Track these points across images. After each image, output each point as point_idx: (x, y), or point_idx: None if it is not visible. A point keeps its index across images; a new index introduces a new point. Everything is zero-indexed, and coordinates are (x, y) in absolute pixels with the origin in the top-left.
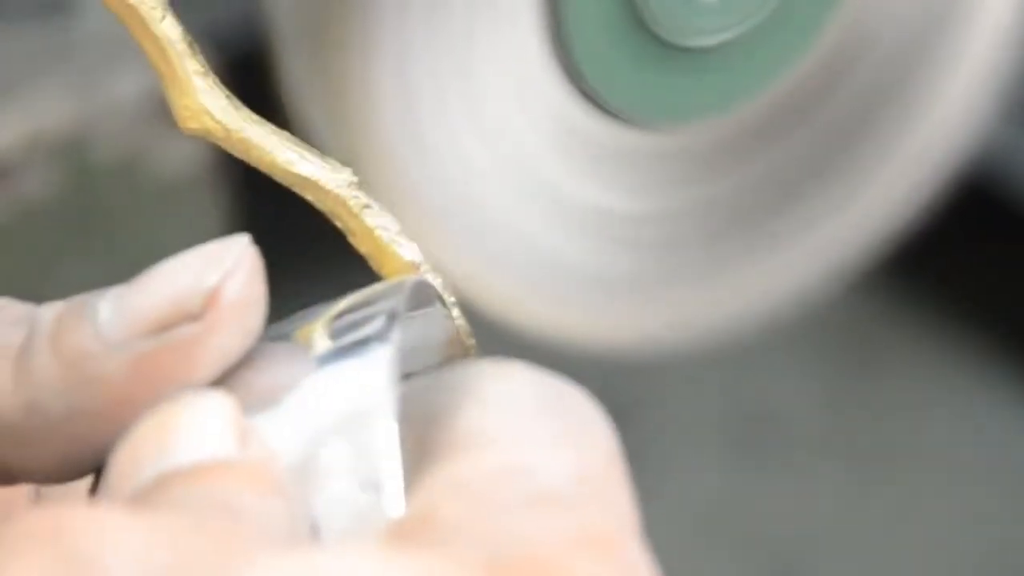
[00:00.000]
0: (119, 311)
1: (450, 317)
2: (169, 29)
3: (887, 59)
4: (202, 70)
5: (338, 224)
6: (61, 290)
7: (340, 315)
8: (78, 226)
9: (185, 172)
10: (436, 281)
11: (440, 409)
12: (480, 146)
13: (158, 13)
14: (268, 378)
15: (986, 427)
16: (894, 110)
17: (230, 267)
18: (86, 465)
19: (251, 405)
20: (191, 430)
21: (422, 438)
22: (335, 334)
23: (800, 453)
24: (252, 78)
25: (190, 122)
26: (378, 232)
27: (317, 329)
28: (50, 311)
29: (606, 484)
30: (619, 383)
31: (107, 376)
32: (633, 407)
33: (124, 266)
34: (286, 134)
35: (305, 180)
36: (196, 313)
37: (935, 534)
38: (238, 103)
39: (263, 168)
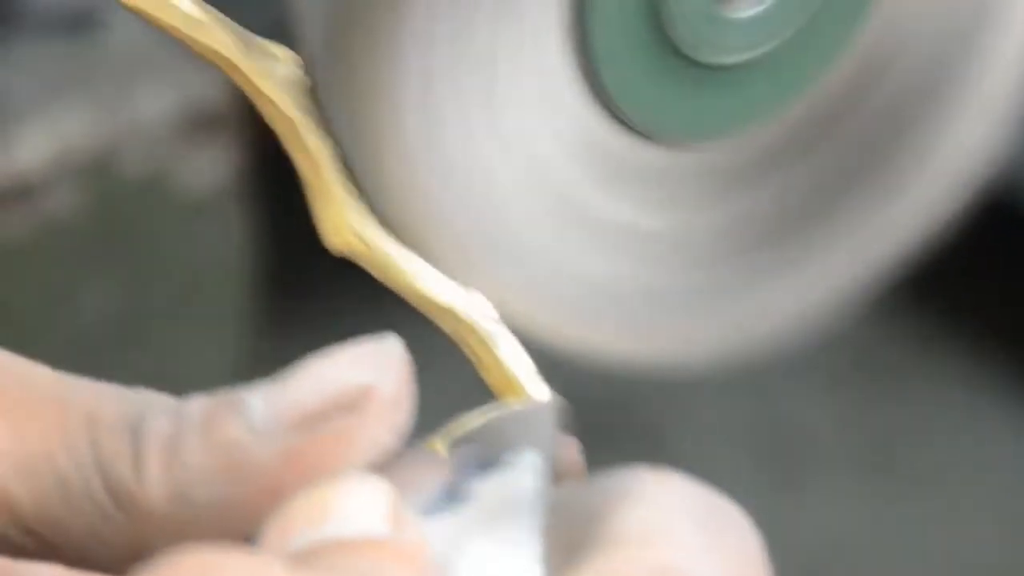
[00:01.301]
0: (272, 404)
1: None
2: (323, 144)
3: (912, 75)
4: (351, 187)
5: (467, 352)
6: (86, 306)
7: (465, 438)
8: (103, 243)
9: (210, 190)
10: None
11: (595, 509)
12: (504, 163)
13: (312, 125)
14: (409, 476)
15: (1009, 445)
16: (919, 126)
17: (383, 366)
18: None
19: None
20: (351, 505)
21: (574, 535)
22: (460, 465)
23: (825, 469)
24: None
25: (334, 237)
26: (509, 366)
27: (440, 444)
28: (198, 404)
29: None
30: (644, 400)
31: (258, 466)
32: (658, 424)
33: (149, 283)
34: (427, 263)
35: (440, 308)
36: (350, 408)
37: (957, 550)
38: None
39: (398, 290)
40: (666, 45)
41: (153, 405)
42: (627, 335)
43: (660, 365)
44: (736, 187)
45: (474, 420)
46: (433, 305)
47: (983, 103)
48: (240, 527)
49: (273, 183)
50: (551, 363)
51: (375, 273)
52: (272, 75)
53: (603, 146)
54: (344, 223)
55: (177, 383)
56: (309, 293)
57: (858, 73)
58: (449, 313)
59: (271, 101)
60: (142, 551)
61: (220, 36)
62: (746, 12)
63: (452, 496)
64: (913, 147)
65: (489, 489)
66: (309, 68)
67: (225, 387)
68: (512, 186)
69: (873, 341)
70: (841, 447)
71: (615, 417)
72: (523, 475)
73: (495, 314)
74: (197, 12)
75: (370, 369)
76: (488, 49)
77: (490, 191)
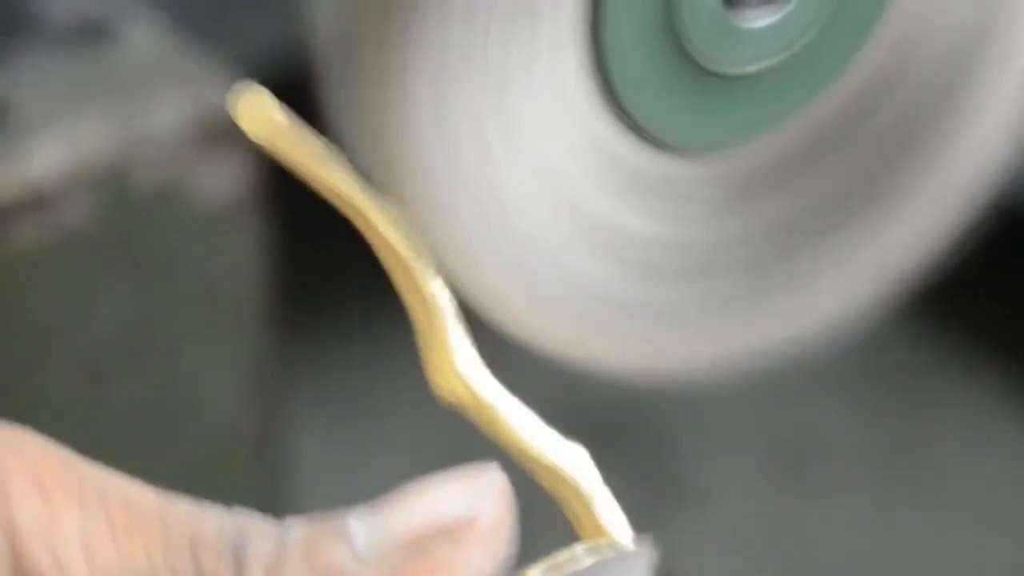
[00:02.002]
0: (375, 531)
1: None
2: (438, 290)
3: (925, 84)
4: (464, 336)
5: (567, 510)
6: (101, 316)
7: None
8: (119, 254)
9: (226, 200)
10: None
11: None
12: (518, 172)
13: (430, 273)
14: None
15: None
16: (931, 136)
17: (486, 495)
18: None
19: None
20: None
21: None
22: None
23: (840, 480)
24: (293, 105)
25: (443, 385)
26: (608, 529)
27: None
28: (301, 528)
29: None
30: (655, 409)
31: None
32: (673, 434)
33: (163, 293)
34: (532, 415)
35: (544, 466)
36: (452, 537)
37: (972, 560)
38: (492, 380)
39: (501, 443)
40: (680, 55)
41: (255, 528)
42: (639, 345)
43: (672, 375)
44: (749, 197)
45: (570, 561)
46: (537, 463)
47: (995, 112)
48: None
49: (288, 195)
50: (561, 372)
51: (479, 423)
52: (390, 218)
53: (616, 156)
54: (453, 371)
55: (190, 393)
56: (323, 304)
57: (870, 83)
58: (553, 472)
59: (388, 243)
60: None
61: (344, 176)
62: (759, 22)
63: None
64: (926, 156)
65: None
66: (323, 81)
67: (238, 398)
68: (525, 196)
69: (887, 351)
70: (854, 457)
71: (626, 425)
72: None
73: (594, 467)
74: (323, 151)
75: (473, 498)
76: (502, 60)
77: (503, 201)
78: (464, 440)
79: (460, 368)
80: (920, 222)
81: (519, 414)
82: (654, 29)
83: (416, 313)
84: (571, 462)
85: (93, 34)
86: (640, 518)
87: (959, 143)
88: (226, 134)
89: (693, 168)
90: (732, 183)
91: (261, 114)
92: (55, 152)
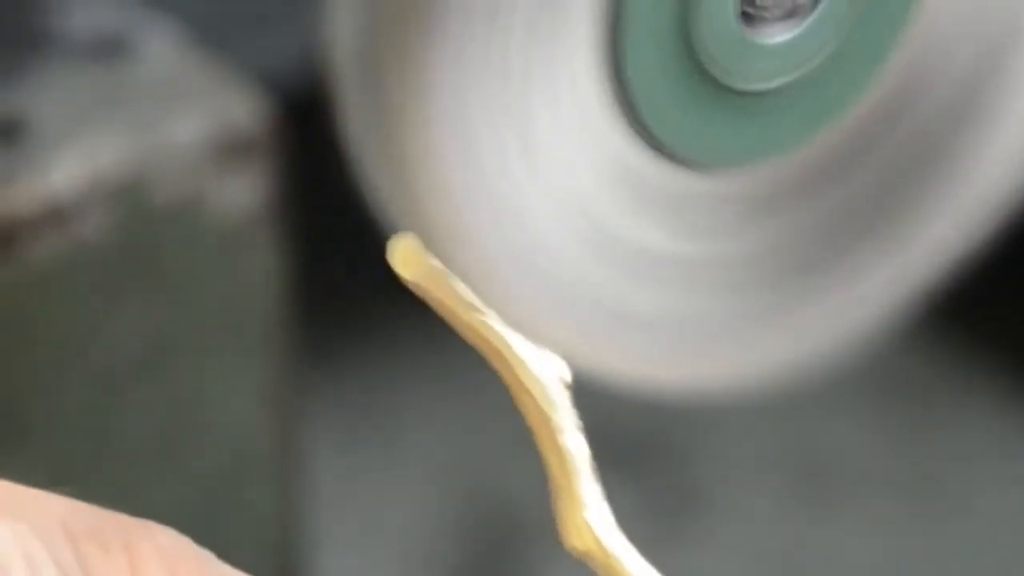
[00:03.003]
0: None
1: None
2: (576, 444)
3: (945, 99)
4: (598, 491)
5: None
6: (118, 331)
7: None
8: (136, 269)
9: (244, 215)
10: None
11: None
12: (538, 190)
13: (570, 426)
14: None
15: None
16: (952, 151)
17: None
18: None
19: None
20: None
21: None
22: None
23: (859, 497)
24: (310, 121)
25: (574, 540)
26: None
27: None
28: None
29: None
30: (675, 426)
31: None
32: (690, 451)
33: (181, 308)
34: (652, 569)
35: None
36: None
37: None
38: (620, 535)
39: None
40: (698, 71)
41: None
42: (658, 362)
43: (690, 392)
44: (768, 213)
45: None
46: None
47: (1016, 125)
48: None
49: (306, 210)
50: (581, 388)
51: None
52: (534, 370)
53: (635, 172)
54: (587, 528)
55: (207, 407)
56: (341, 320)
57: (891, 99)
58: None
59: (531, 394)
60: None
61: (491, 324)
62: (779, 38)
63: None
64: (945, 171)
65: None
66: (342, 99)
67: (254, 411)
68: (543, 211)
69: (909, 366)
70: (874, 473)
71: (644, 442)
72: None
73: None
74: (473, 297)
75: None
76: (522, 78)
77: (523, 218)
78: (480, 454)
79: (593, 524)
80: (939, 237)
81: (640, 568)
82: (672, 45)
83: (551, 467)
84: None
85: (111, 49)
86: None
87: (979, 157)
88: (245, 149)
89: (712, 184)
90: (751, 199)
91: (415, 259)
92: (73, 167)
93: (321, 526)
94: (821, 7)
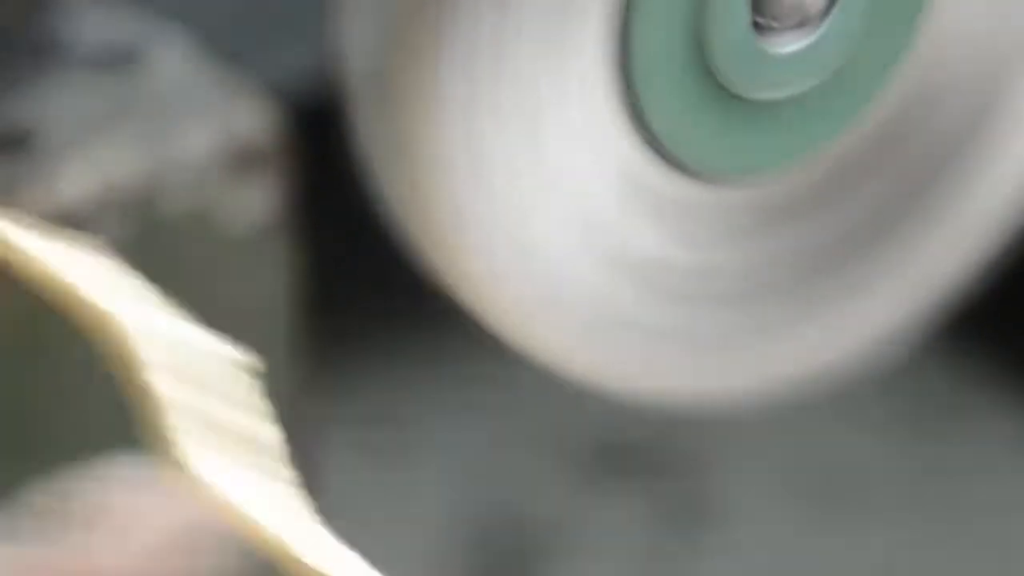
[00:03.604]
0: None
1: None
2: (159, 384)
3: (955, 109)
4: (178, 428)
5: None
6: None
7: None
8: (148, 279)
9: (255, 225)
10: None
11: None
12: (545, 197)
13: (155, 367)
14: None
15: None
16: (963, 162)
17: None
18: None
19: None
20: None
21: None
22: None
23: (871, 507)
24: (321, 131)
25: (169, 477)
26: None
27: None
28: None
29: None
30: (687, 437)
31: None
32: (702, 461)
33: (194, 318)
34: None
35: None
36: None
37: None
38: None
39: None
40: (709, 81)
41: None
42: (668, 371)
43: (702, 403)
44: (780, 223)
45: None
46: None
47: None
48: None
49: (318, 219)
50: (591, 398)
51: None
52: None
53: (644, 181)
54: (178, 464)
55: None
56: (353, 331)
57: (901, 109)
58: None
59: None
60: None
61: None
62: (789, 48)
63: None
64: (956, 182)
65: None
66: (354, 110)
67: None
68: (553, 220)
69: (923, 379)
70: (886, 483)
71: (655, 452)
72: None
73: None
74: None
75: None
76: (532, 89)
77: (530, 222)
78: (492, 459)
79: (179, 458)
80: (950, 247)
81: (235, 492)
82: (683, 55)
83: (137, 405)
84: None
85: (123, 60)
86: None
87: (989, 167)
88: (256, 160)
89: (722, 194)
90: (762, 209)
91: None
92: (84, 178)
93: (334, 530)
94: (832, 18)
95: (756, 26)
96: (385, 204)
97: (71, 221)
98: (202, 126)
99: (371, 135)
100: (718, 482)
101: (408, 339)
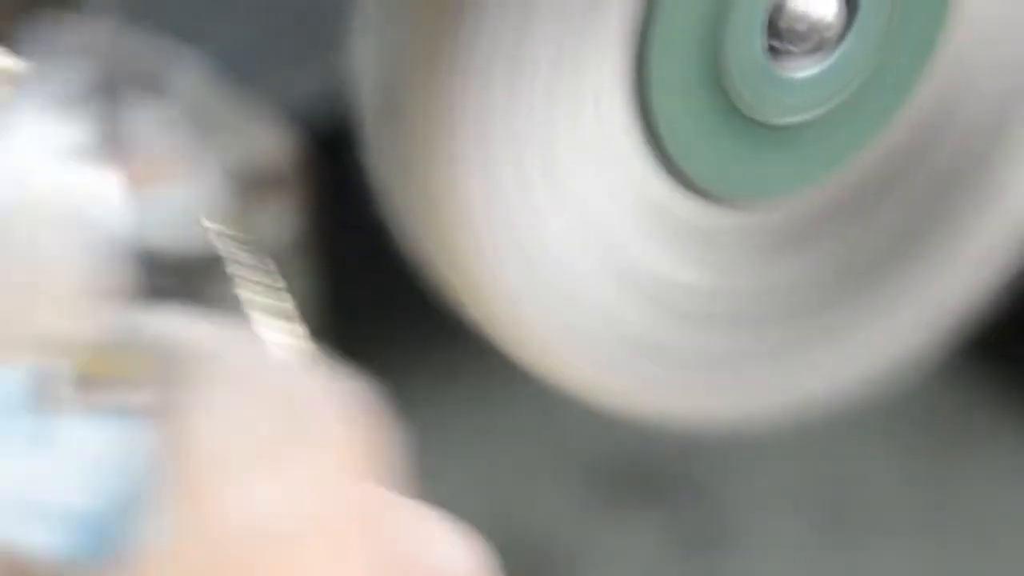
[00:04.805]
0: None
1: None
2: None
3: (968, 135)
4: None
5: None
6: None
7: None
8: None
9: (272, 247)
10: None
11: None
12: (561, 219)
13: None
14: None
15: None
16: (976, 187)
17: None
18: None
19: None
20: None
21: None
22: None
23: (881, 529)
24: (336, 155)
25: None
26: None
27: None
28: None
29: (338, 509)
30: (698, 459)
31: None
32: (714, 482)
33: None
34: None
35: None
36: None
37: None
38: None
39: None
40: (725, 105)
41: None
42: (681, 393)
43: (713, 423)
44: (794, 247)
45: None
46: None
47: None
48: None
49: (333, 242)
50: (604, 419)
51: None
52: None
53: (661, 204)
54: None
55: None
56: (369, 351)
57: (915, 134)
58: None
59: None
60: None
61: None
62: (804, 73)
63: None
64: (969, 209)
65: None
66: (368, 134)
67: None
68: (571, 244)
69: (928, 399)
70: (895, 506)
71: (667, 473)
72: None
73: None
74: None
75: None
76: (548, 110)
77: (549, 250)
78: (505, 483)
79: None
80: (965, 270)
81: None
82: (699, 79)
83: None
84: None
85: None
86: (684, 568)
87: (1005, 190)
88: (271, 183)
89: (737, 217)
90: (776, 232)
91: None
92: None
93: None
94: (847, 42)
95: (772, 51)
96: (399, 226)
97: None
98: (217, 150)
99: (386, 159)
100: (732, 507)
101: (422, 361)
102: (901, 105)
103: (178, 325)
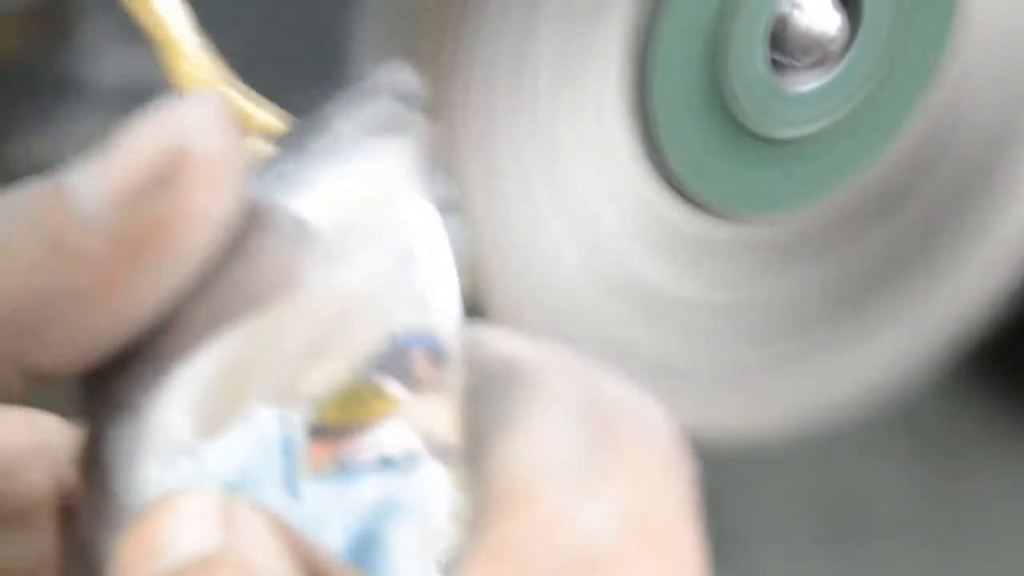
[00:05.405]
0: (95, 187)
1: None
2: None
3: (973, 150)
4: (197, 41)
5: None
6: None
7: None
8: None
9: None
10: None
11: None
12: (563, 232)
13: None
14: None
15: None
16: (979, 200)
17: (196, 123)
18: (80, 352)
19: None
20: (180, 527)
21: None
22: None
23: (889, 543)
24: None
25: (192, 85)
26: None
27: None
28: (27, 193)
29: (659, 525)
30: (706, 472)
31: (88, 255)
32: (720, 496)
33: None
34: None
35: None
36: (168, 179)
37: None
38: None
39: None
40: (727, 118)
41: None
42: (684, 406)
43: (717, 436)
44: (796, 261)
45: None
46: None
47: None
48: (85, 322)
49: None
50: None
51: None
52: None
53: (662, 217)
54: (198, 68)
55: None
56: None
57: (919, 149)
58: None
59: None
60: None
61: None
62: (808, 86)
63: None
64: (972, 222)
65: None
66: None
67: None
68: (570, 253)
69: (941, 412)
70: (903, 517)
71: None
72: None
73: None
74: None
75: (181, 129)
76: (550, 120)
77: (547, 257)
78: None
79: (195, 62)
80: (970, 282)
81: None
82: (701, 92)
83: (152, 32)
84: None
85: (142, 96)
86: None
87: (1009, 203)
88: None
89: (739, 231)
90: (779, 248)
91: None
92: None
93: None
94: (850, 56)
95: (774, 64)
96: None
97: None
98: None
99: None
100: (737, 517)
101: None
102: (904, 118)
103: (501, 340)
